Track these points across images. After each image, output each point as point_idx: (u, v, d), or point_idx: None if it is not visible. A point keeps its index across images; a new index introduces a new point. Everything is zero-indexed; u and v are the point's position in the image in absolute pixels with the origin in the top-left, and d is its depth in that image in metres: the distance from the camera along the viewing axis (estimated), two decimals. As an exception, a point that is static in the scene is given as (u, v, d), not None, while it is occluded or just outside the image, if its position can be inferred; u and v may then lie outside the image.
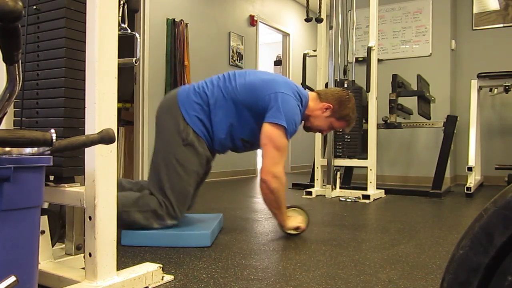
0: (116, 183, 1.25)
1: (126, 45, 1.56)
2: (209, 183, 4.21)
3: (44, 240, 1.32)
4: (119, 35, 1.26)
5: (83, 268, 1.24)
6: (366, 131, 3.63)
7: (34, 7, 1.34)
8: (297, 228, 2.03)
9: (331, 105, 2.11)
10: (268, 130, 1.89)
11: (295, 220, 2.05)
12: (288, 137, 1.91)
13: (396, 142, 5.02)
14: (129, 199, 1.86)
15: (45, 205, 1.51)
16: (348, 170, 4.28)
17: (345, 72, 4.05)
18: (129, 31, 1.61)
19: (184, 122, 1.93)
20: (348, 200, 3.39)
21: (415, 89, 4.02)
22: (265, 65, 8.00)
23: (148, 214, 1.85)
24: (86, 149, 1.20)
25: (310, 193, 3.61)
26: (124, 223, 1.83)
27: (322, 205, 3.19)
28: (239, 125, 1.99)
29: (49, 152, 0.96)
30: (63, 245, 1.53)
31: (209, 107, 1.96)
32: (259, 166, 4.13)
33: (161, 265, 1.37)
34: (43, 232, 1.30)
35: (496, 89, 4.65)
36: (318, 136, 3.81)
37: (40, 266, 1.21)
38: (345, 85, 3.83)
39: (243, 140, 2.04)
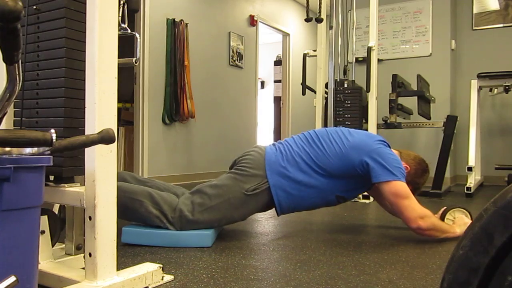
0: (116, 183, 1.25)
1: (126, 45, 1.56)
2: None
3: (44, 240, 1.32)
4: (119, 35, 1.26)
5: (83, 268, 1.24)
6: (366, 131, 3.63)
7: (34, 7, 1.34)
8: None
9: (408, 167, 2.10)
10: (388, 189, 1.91)
11: (461, 222, 2.03)
12: (404, 180, 1.93)
13: (396, 142, 5.01)
14: (144, 190, 1.88)
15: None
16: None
17: (345, 72, 4.04)
18: (129, 31, 1.61)
19: (264, 180, 1.95)
20: (348, 200, 3.39)
21: (415, 89, 4.02)
22: (265, 65, 8.01)
23: (157, 212, 1.85)
24: (86, 149, 1.20)
25: (310, 193, 3.60)
26: (132, 212, 1.83)
27: (322, 205, 3.18)
28: (334, 187, 2.01)
29: (49, 152, 0.96)
30: (63, 245, 1.53)
31: (297, 173, 1.97)
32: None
33: (161, 265, 1.37)
34: (43, 232, 1.30)
35: (496, 89, 4.64)
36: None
37: (40, 266, 1.21)
38: (345, 85, 3.83)
39: (338, 196, 2.05)
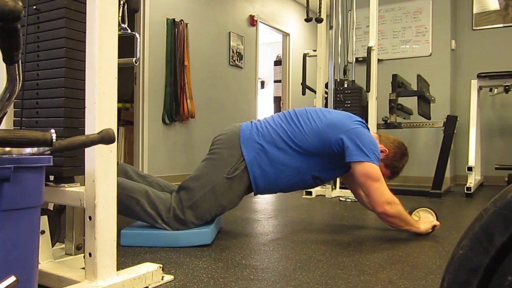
0: (116, 183, 1.25)
1: (126, 45, 1.56)
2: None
3: (44, 240, 1.32)
4: (119, 35, 1.26)
5: (83, 268, 1.24)
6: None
7: (34, 7, 1.34)
8: (433, 227, 2.04)
9: (387, 150, 2.10)
10: (359, 170, 1.91)
11: (426, 220, 2.06)
12: (377, 163, 1.93)
13: (396, 142, 5.01)
14: (142, 188, 1.88)
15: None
16: (348, 170, 4.28)
17: (345, 72, 4.05)
18: (129, 31, 1.61)
19: (241, 158, 1.93)
20: (348, 200, 3.39)
21: (415, 89, 4.02)
22: (265, 65, 8.01)
23: (152, 212, 1.85)
24: (86, 149, 1.20)
25: (310, 193, 3.61)
26: (128, 209, 1.83)
27: (322, 205, 3.19)
28: (310, 165, 2.00)
29: (49, 152, 0.96)
30: (63, 245, 1.53)
31: (273, 150, 1.96)
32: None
33: (161, 265, 1.37)
34: (43, 232, 1.30)
35: (496, 89, 4.64)
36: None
37: (40, 266, 1.21)
38: (345, 85, 3.83)
39: (314, 176, 2.04)
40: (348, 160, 1.93)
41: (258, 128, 2.01)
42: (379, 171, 1.91)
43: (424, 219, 2.07)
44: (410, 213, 2.11)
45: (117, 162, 1.29)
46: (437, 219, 2.10)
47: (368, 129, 2.07)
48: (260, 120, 2.09)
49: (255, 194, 2.05)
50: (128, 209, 1.84)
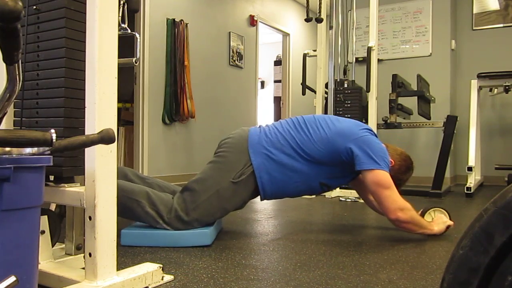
0: (116, 183, 1.25)
1: (126, 45, 1.56)
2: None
3: (44, 240, 1.32)
4: (119, 35, 1.26)
5: (83, 268, 1.24)
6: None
7: (34, 7, 1.34)
8: (447, 227, 2.03)
9: (393, 162, 2.07)
10: (370, 178, 1.90)
11: (439, 220, 2.05)
12: (388, 170, 1.92)
13: (396, 142, 4.99)
14: (142, 190, 1.87)
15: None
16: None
17: (345, 72, 4.05)
18: (129, 31, 1.61)
19: (248, 163, 1.93)
20: (348, 200, 3.39)
21: (415, 89, 4.02)
22: (265, 65, 8.00)
23: (153, 212, 1.85)
24: (86, 149, 1.20)
25: (310, 193, 3.60)
26: (129, 211, 1.83)
27: (322, 205, 3.18)
28: (318, 173, 1.99)
29: (49, 152, 0.96)
30: (63, 245, 1.53)
31: (281, 156, 1.95)
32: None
33: (161, 265, 1.37)
34: (43, 232, 1.30)
35: (496, 89, 4.64)
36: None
37: (40, 266, 1.21)
38: (345, 85, 3.83)
39: (322, 183, 2.04)
40: (358, 169, 1.92)
41: (266, 134, 2.00)
42: (390, 178, 1.91)
43: (438, 220, 2.06)
44: (423, 214, 2.10)
45: (117, 166, 1.29)
46: (450, 219, 2.09)
47: (376, 136, 2.07)
48: (269, 126, 2.09)
49: (262, 200, 2.05)
50: (129, 211, 1.84)
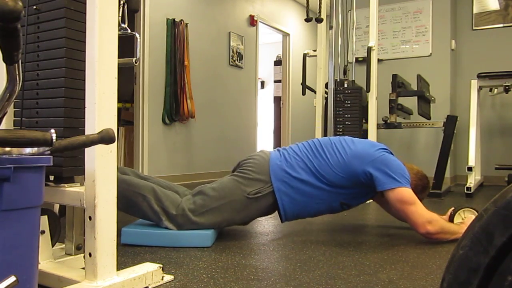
0: (116, 183, 1.25)
1: (126, 45, 1.56)
2: (210, 183, 4.20)
3: (44, 240, 1.32)
4: (119, 35, 1.26)
5: (83, 268, 1.24)
6: (366, 131, 3.63)
7: (34, 7, 1.34)
8: None
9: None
10: (393, 197, 1.91)
11: (470, 221, 2.01)
12: (409, 186, 1.93)
13: (396, 142, 5.02)
14: (148, 185, 1.88)
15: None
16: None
17: (345, 72, 4.04)
18: (129, 31, 1.61)
19: (268, 184, 1.95)
20: (348, 200, 3.39)
21: (415, 89, 4.02)
22: (265, 65, 8.00)
23: (159, 208, 1.85)
24: (86, 149, 1.20)
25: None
26: (134, 205, 1.83)
27: (322, 205, 3.18)
28: (338, 196, 2.01)
29: (49, 152, 0.96)
30: (63, 245, 1.53)
31: (301, 180, 1.96)
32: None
33: (161, 265, 1.37)
34: (43, 232, 1.30)
35: (496, 89, 4.64)
36: (318, 134, 3.81)
37: (40, 266, 1.21)
38: (345, 85, 3.83)
39: (342, 203, 2.05)
40: (380, 190, 1.93)
41: (286, 158, 2.02)
42: (412, 193, 1.91)
43: (468, 221, 2.03)
44: (453, 216, 2.08)
45: (117, 166, 1.29)
46: None
47: (393, 154, 2.07)
48: (287, 149, 2.10)
49: (282, 221, 2.06)
50: (135, 206, 1.85)
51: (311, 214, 2.08)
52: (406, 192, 1.90)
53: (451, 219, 2.07)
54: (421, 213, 1.89)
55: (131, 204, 1.84)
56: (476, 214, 2.08)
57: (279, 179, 1.96)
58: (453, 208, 2.13)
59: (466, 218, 2.08)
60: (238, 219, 1.98)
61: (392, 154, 2.06)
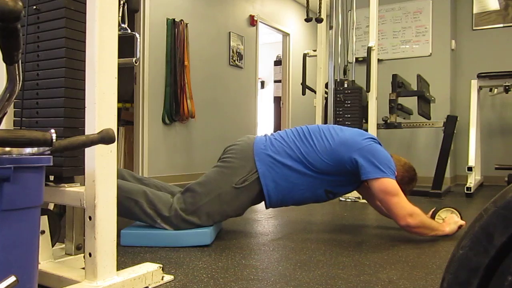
0: (116, 183, 1.25)
1: (126, 45, 1.56)
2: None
3: (44, 240, 1.32)
4: (119, 35, 1.26)
5: (83, 268, 1.24)
6: (366, 131, 3.63)
7: (34, 7, 1.34)
8: (459, 227, 2.02)
9: (395, 173, 2.05)
10: (377, 186, 1.91)
11: (451, 220, 2.04)
12: (394, 177, 1.93)
13: (396, 142, 5.02)
14: (140, 189, 1.88)
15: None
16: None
17: (345, 72, 4.04)
18: (129, 31, 1.61)
19: (253, 170, 1.94)
20: (348, 200, 3.39)
21: (415, 89, 4.02)
22: (265, 65, 8.00)
23: (151, 211, 1.85)
24: (86, 149, 1.20)
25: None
26: (126, 210, 1.83)
27: (322, 205, 3.18)
28: (323, 182, 2.01)
29: (49, 152, 0.96)
30: (63, 245, 1.53)
31: (287, 165, 1.96)
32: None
33: (161, 265, 1.37)
34: (43, 232, 1.30)
35: (496, 89, 4.64)
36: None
37: (40, 266, 1.21)
38: (345, 85, 3.83)
39: (327, 191, 2.05)
40: (364, 178, 1.93)
41: (272, 143, 2.01)
42: (396, 185, 1.91)
43: (449, 220, 2.05)
44: (434, 215, 2.10)
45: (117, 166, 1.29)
46: (462, 218, 2.08)
47: (381, 144, 2.07)
48: (274, 134, 2.10)
49: (267, 208, 2.06)
50: (127, 211, 1.84)
51: (295, 201, 2.06)
52: (390, 183, 1.90)
53: (432, 218, 2.08)
54: (403, 205, 1.89)
55: (124, 209, 1.82)
56: (457, 214, 2.10)
57: (264, 164, 1.94)
58: (434, 208, 2.15)
59: (446, 217, 2.09)
60: (231, 211, 1.96)
61: (380, 145, 2.06)
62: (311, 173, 1.97)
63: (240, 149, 2.00)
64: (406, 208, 1.89)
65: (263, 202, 2.04)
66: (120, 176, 2.00)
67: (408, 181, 2.14)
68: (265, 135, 2.11)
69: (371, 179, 1.91)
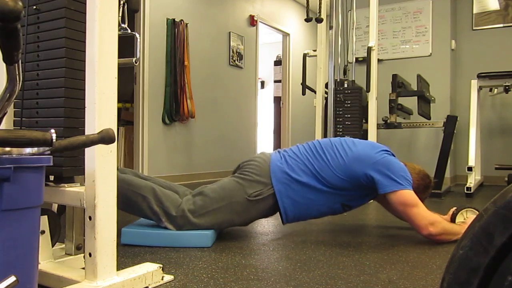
0: (116, 183, 1.25)
1: (126, 45, 1.56)
2: (209, 183, 4.19)
3: (44, 240, 1.32)
4: (119, 35, 1.26)
5: (83, 268, 1.24)
6: (366, 131, 3.63)
7: (34, 7, 1.33)
8: None
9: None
10: (395, 199, 1.91)
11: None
12: (411, 188, 1.92)
13: (396, 142, 5.02)
14: (148, 185, 1.88)
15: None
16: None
17: (345, 72, 4.04)
18: (129, 31, 1.61)
19: (268, 186, 1.94)
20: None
21: (415, 89, 4.02)
22: (265, 65, 8.00)
23: (158, 209, 1.85)
24: (86, 149, 1.20)
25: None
26: (133, 205, 1.83)
27: (322, 205, 3.18)
28: (339, 197, 2.01)
29: (49, 152, 0.96)
30: (63, 245, 1.53)
31: (302, 182, 1.96)
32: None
33: (161, 265, 1.37)
34: (43, 232, 1.30)
35: (496, 89, 4.64)
36: (318, 134, 3.81)
37: (40, 266, 1.21)
38: (345, 85, 3.83)
39: (343, 205, 2.05)
40: (381, 192, 1.92)
41: (287, 161, 2.02)
42: (414, 195, 1.91)
43: (469, 221, 2.02)
44: (455, 216, 2.08)
45: (117, 167, 1.29)
46: None
47: (394, 155, 2.06)
48: (287, 151, 2.10)
49: (284, 223, 2.06)
50: (134, 206, 1.84)
51: (312, 216, 2.08)
52: (408, 195, 1.90)
53: (453, 219, 2.07)
54: (424, 215, 1.89)
55: (131, 204, 1.83)
56: (477, 213, 2.08)
57: (280, 181, 1.96)
58: (455, 208, 2.13)
59: (467, 218, 2.07)
60: (238, 221, 1.98)
61: (394, 156, 2.06)
62: (326, 188, 1.97)
63: (258, 165, 2.01)
64: (426, 217, 1.88)
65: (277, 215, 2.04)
66: (123, 174, 2.00)
67: (423, 189, 2.13)
68: (279, 151, 2.11)
69: (389, 193, 1.91)
